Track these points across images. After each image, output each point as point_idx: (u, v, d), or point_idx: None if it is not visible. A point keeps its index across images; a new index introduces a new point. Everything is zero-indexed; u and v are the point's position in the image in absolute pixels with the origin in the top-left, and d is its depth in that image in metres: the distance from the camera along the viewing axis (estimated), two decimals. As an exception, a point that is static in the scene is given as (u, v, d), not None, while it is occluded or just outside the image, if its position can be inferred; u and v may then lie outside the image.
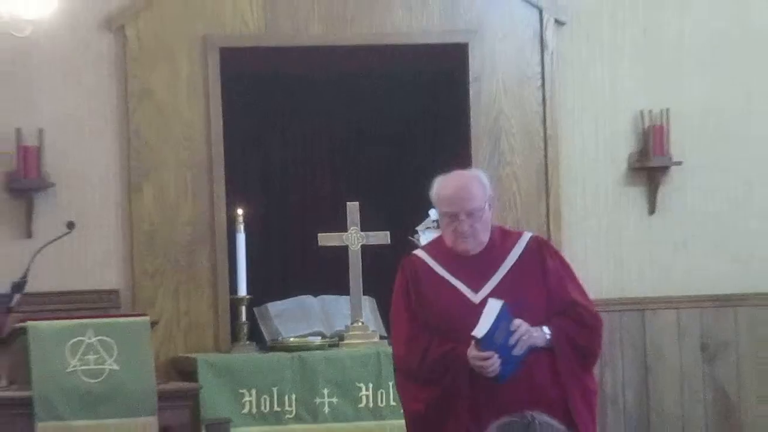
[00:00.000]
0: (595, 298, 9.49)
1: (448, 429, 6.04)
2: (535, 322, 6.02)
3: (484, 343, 5.84)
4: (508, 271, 6.15)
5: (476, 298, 6.08)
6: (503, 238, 6.25)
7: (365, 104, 9.81)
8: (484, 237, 6.15)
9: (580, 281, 6.35)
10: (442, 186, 6.19)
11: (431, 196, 6.25)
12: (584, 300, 6.26)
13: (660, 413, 9.89)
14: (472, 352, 5.88)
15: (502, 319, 5.88)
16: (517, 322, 5.94)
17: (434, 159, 9.69)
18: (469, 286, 6.14)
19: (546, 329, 6.03)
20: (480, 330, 5.85)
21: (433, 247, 6.37)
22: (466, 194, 6.10)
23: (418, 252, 6.42)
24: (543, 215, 9.83)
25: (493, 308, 5.85)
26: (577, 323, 6.13)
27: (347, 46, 9.74)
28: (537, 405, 5.54)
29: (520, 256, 6.19)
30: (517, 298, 6.02)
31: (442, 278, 6.18)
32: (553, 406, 5.88)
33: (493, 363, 5.87)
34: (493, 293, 6.04)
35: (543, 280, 6.16)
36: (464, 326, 5.93)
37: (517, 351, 5.92)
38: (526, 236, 6.30)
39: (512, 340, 5.93)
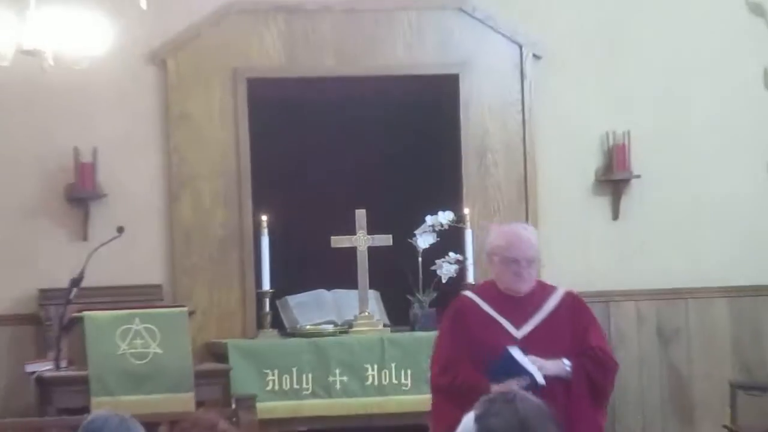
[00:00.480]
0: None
1: None
2: (558, 356, 6.08)
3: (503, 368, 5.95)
4: (547, 316, 6.18)
5: (518, 334, 6.12)
6: (542, 288, 6.28)
7: (371, 126, 9.75)
8: (533, 282, 6.21)
9: (603, 331, 6.43)
10: (506, 234, 6.28)
11: (489, 242, 6.31)
12: (605, 346, 6.30)
13: (622, 390, 9.83)
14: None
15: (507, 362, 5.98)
16: (532, 358, 5.99)
17: (430, 172, 9.79)
18: (512, 323, 6.15)
19: (566, 361, 6.05)
20: (539, 377, 5.91)
21: (481, 289, 6.42)
22: (529, 245, 6.18)
23: (468, 293, 6.44)
24: (522, 220, 9.76)
25: (518, 354, 5.94)
26: (596, 362, 6.15)
27: (356, 77, 9.74)
28: None
29: (557, 305, 6.22)
30: (552, 339, 6.10)
31: (489, 315, 6.20)
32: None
33: None
34: (533, 332, 6.12)
35: (572, 328, 6.19)
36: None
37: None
38: (561, 290, 6.31)
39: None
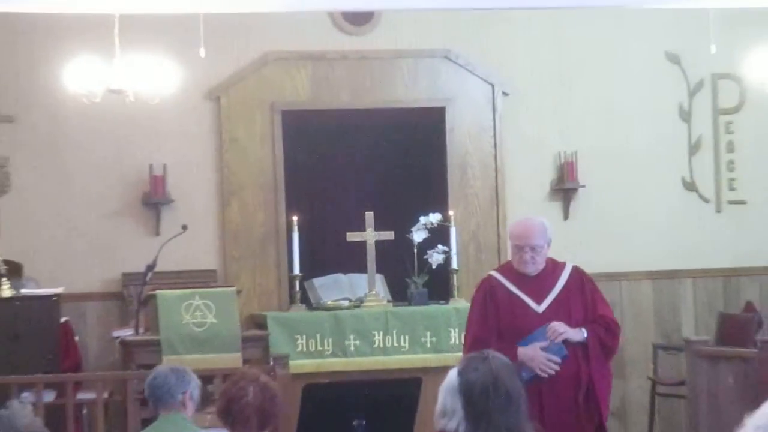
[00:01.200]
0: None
1: None
2: (576, 326, 5.90)
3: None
4: (561, 290, 5.98)
5: (539, 309, 5.94)
6: (553, 266, 6.08)
7: (378, 147, 9.74)
8: (541, 265, 5.98)
9: (606, 299, 6.24)
10: (516, 225, 6.13)
11: (508, 230, 6.22)
12: (609, 313, 6.11)
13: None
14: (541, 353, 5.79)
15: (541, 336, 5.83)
16: (555, 324, 5.84)
17: (423, 183, 9.74)
18: (533, 300, 5.95)
19: (583, 330, 5.90)
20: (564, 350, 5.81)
21: (503, 269, 6.17)
22: (534, 235, 5.96)
23: (494, 273, 6.16)
24: (494, 220, 9.82)
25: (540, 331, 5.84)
26: (604, 328, 6.00)
27: (366, 109, 9.70)
28: (573, 381, 5.86)
29: (567, 280, 6.03)
30: (567, 310, 5.95)
31: (513, 293, 5.98)
32: (581, 381, 5.88)
33: (551, 366, 5.79)
34: (552, 305, 5.94)
35: (582, 298, 6.03)
36: (528, 328, 5.86)
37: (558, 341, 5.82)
38: (569, 266, 6.12)
39: (548, 335, 5.81)
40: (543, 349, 5.78)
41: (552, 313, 5.91)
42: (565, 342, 5.84)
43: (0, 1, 7.19)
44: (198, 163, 9.48)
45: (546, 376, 5.78)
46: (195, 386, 5.23)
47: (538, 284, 5.98)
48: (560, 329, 5.82)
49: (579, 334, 5.88)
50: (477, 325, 6.03)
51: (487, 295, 6.03)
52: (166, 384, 5.18)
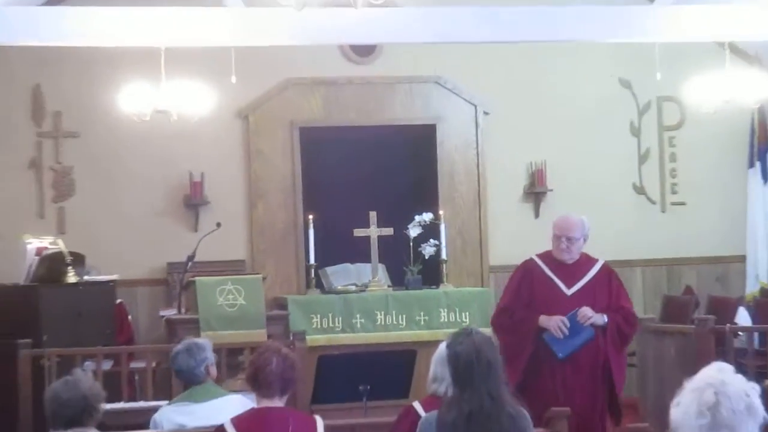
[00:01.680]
0: (505, 264, 9.58)
1: (519, 361, 5.84)
2: (599, 312, 5.84)
3: (570, 320, 5.73)
4: (590, 280, 5.93)
5: (568, 292, 5.87)
6: (587, 259, 6.03)
7: (380, 157, 9.72)
8: (576, 255, 5.94)
9: (628, 294, 6.18)
10: (559, 219, 6.05)
11: (553, 223, 6.07)
12: (630, 306, 6.05)
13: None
14: (556, 317, 5.73)
15: (572, 319, 5.74)
16: (584, 309, 5.77)
17: (417, 187, 9.75)
18: (564, 284, 5.89)
19: (605, 316, 5.85)
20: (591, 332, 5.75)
21: (543, 256, 6.04)
22: (572, 229, 5.93)
23: (534, 257, 6.07)
24: (477, 218, 9.82)
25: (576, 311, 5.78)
26: (625, 319, 5.96)
27: (370, 126, 9.70)
28: (593, 357, 5.81)
29: (596, 273, 5.98)
30: (593, 297, 5.86)
31: (548, 275, 5.92)
32: (600, 359, 5.85)
33: (562, 328, 5.72)
34: (579, 291, 5.86)
35: (607, 289, 5.96)
36: (557, 308, 5.78)
37: (586, 324, 5.74)
38: (601, 261, 6.06)
39: (578, 318, 5.73)
40: (569, 329, 5.72)
41: (579, 298, 5.84)
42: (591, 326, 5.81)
43: (67, 36, 7.23)
44: (230, 171, 9.48)
45: (561, 336, 5.72)
46: (210, 353, 5.23)
47: (571, 272, 5.91)
48: (588, 314, 5.78)
49: (601, 319, 5.84)
50: (509, 297, 5.99)
51: (526, 274, 5.98)
52: (187, 366, 5.19)
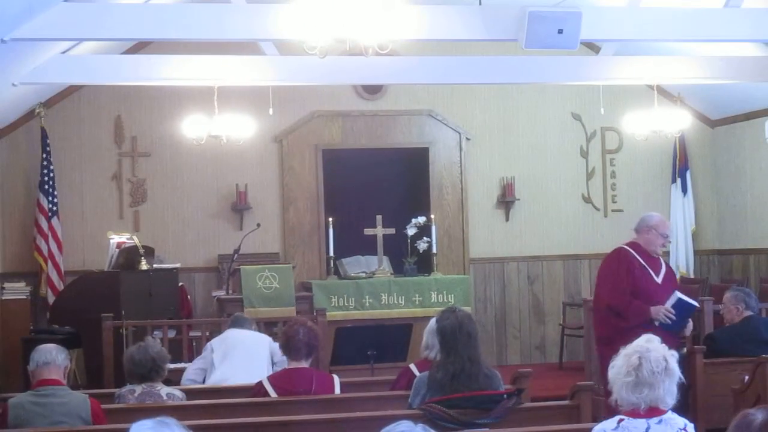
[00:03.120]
0: (482, 257, 9.56)
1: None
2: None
3: (675, 306, 5.29)
4: (665, 269, 5.52)
5: (658, 280, 5.44)
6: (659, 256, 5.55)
7: (385, 173, 9.70)
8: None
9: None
10: (662, 220, 5.51)
11: (653, 222, 5.44)
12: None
13: (510, 307, 9.82)
14: (662, 308, 5.28)
15: (677, 306, 5.34)
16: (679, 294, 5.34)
17: (414, 196, 9.68)
18: (653, 272, 5.44)
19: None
20: (676, 297, 5.30)
21: (632, 246, 5.48)
22: (668, 227, 5.55)
23: (625, 246, 5.48)
24: (460, 221, 9.77)
25: (676, 296, 5.36)
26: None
27: (377, 148, 9.65)
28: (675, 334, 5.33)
29: (666, 264, 5.59)
30: (670, 283, 5.50)
31: (641, 263, 5.40)
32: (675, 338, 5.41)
33: (670, 317, 5.27)
34: (663, 279, 5.44)
35: (673, 280, 5.65)
36: (649, 294, 5.34)
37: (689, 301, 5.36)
38: (664, 259, 5.64)
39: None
40: (673, 307, 5.31)
41: (665, 284, 5.46)
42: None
43: (142, 78, 7.28)
44: (267, 183, 9.45)
45: (669, 322, 5.28)
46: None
47: (655, 263, 5.50)
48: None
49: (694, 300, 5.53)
50: (611, 294, 5.36)
51: (621, 261, 5.39)
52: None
